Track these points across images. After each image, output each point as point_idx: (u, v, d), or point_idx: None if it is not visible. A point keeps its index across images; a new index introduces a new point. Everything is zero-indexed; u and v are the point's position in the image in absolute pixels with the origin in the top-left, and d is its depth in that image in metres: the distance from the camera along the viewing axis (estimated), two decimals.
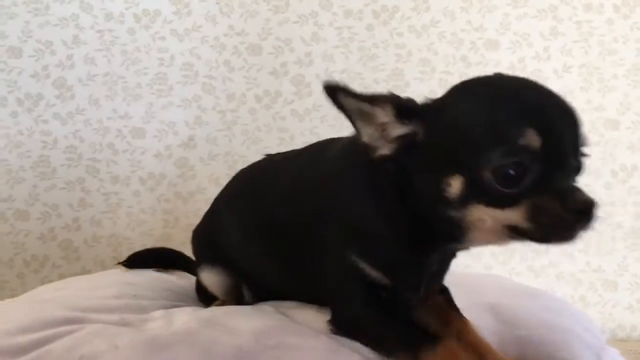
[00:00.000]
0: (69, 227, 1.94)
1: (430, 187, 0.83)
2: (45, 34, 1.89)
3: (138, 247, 1.77)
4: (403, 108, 0.84)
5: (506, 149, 0.75)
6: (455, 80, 1.79)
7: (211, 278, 1.29)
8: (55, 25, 1.90)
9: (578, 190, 0.76)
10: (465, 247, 0.92)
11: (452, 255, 1.02)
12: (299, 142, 1.95)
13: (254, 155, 1.46)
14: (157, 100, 1.95)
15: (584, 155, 0.81)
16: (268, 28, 1.95)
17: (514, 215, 0.78)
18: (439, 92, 1.94)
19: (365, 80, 1.95)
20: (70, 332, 0.95)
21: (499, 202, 0.78)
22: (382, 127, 0.84)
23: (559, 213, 0.75)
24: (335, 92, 0.82)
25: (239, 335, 0.92)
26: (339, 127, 1.96)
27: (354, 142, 0.92)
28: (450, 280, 1.06)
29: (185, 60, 1.94)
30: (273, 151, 1.27)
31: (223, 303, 1.28)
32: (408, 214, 0.88)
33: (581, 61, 1.97)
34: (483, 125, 0.78)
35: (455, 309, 1.02)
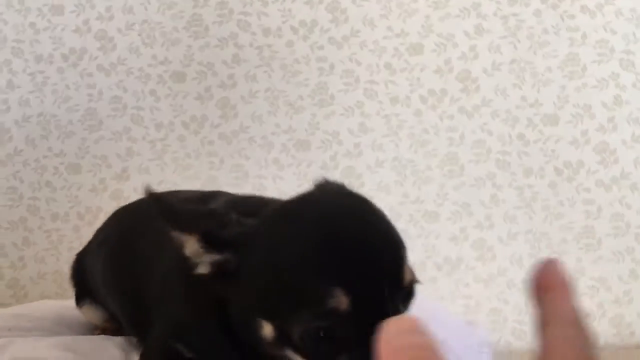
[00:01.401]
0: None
1: (245, 322, 0.75)
2: None
3: None
4: (211, 239, 0.74)
5: (311, 310, 0.66)
6: (381, 89, 1.77)
7: (91, 313, 1.29)
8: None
9: None
10: None
11: None
12: (228, 165, 1.95)
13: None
14: (89, 135, 1.98)
15: (407, 288, 0.70)
16: (190, 54, 1.96)
17: None
18: (365, 102, 1.92)
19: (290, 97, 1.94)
20: None
21: (309, 356, 0.69)
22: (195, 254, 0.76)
23: None
24: (155, 205, 0.77)
25: None
26: (268, 148, 1.95)
27: None
28: None
29: (114, 94, 1.98)
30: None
31: (103, 331, 1.28)
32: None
33: (511, 57, 1.90)
34: (289, 280, 0.69)
35: None
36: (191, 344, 0.88)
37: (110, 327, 1.27)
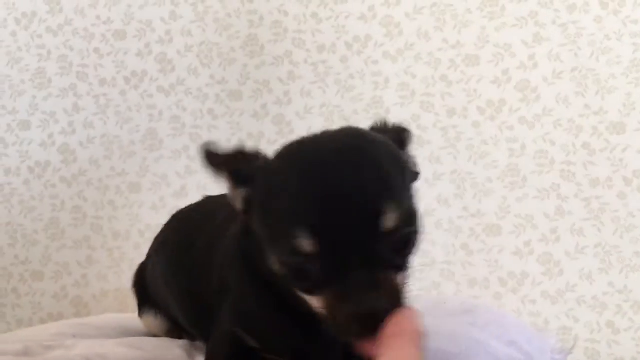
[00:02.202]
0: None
1: (264, 259, 0.76)
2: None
3: None
4: (236, 175, 0.79)
5: (286, 248, 0.68)
6: (437, 101, 1.75)
7: (151, 321, 1.30)
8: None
9: (361, 298, 0.65)
10: None
11: None
12: None
13: None
14: (149, 154, 2.03)
15: (389, 233, 0.68)
16: (246, 73, 2.00)
17: (315, 303, 0.70)
18: (421, 115, 1.90)
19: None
20: None
21: (302, 289, 0.72)
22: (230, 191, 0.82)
23: (340, 319, 0.67)
24: (206, 156, 0.82)
25: None
26: None
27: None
28: None
29: (173, 114, 2.03)
30: None
31: None
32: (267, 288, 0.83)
33: (572, 65, 1.84)
34: (271, 215, 0.72)
35: None
36: (254, 330, 0.87)
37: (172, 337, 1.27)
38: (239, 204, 0.80)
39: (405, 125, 0.87)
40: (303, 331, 0.83)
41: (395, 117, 1.91)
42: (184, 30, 2.02)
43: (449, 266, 1.88)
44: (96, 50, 2.05)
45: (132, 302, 2.01)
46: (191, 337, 1.20)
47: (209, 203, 1.24)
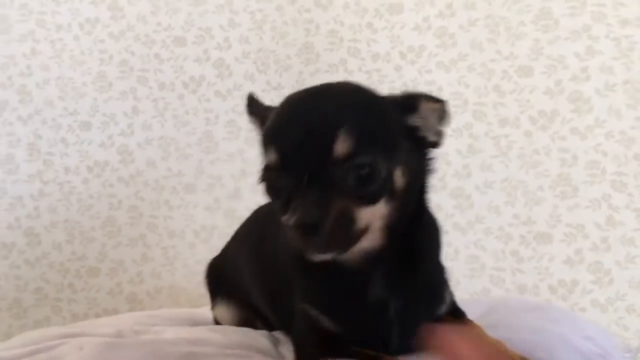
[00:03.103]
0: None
1: None
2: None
3: None
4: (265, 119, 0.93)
5: (264, 163, 0.84)
6: (490, 110, 1.77)
7: (223, 311, 1.35)
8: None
9: (300, 208, 0.76)
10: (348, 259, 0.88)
11: (424, 300, 0.96)
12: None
13: None
14: (205, 156, 2.09)
15: (344, 160, 0.79)
16: (301, 80, 2.06)
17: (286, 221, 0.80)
18: (474, 124, 1.92)
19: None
20: (61, 344, 1.03)
21: (280, 209, 0.83)
22: None
23: (286, 227, 0.78)
24: (249, 102, 0.98)
25: (201, 345, 0.96)
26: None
27: None
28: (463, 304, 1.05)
29: (229, 118, 2.09)
30: None
31: None
32: None
33: (625, 77, 1.88)
34: (260, 141, 0.89)
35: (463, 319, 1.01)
36: (322, 304, 0.94)
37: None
38: None
39: (421, 93, 0.94)
40: (355, 303, 0.90)
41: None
42: (242, 37, 2.09)
43: (499, 272, 1.91)
44: (156, 55, 2.13)
45: (185, 299, 2.09)
46: (268, 327, 1.25)
47: None
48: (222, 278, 1.36)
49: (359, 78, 2.01)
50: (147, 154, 2.12)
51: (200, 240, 2.08)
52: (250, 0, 2.07)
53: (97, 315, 2.12)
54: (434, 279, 0.99)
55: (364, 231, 0.81)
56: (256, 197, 2.04)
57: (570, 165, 1.88)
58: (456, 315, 1.02)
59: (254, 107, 0.98)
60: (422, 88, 1.98)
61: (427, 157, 0.93)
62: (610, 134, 1.87)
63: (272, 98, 2.03)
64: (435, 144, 0.92)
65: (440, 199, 1.93)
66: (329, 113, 0.82)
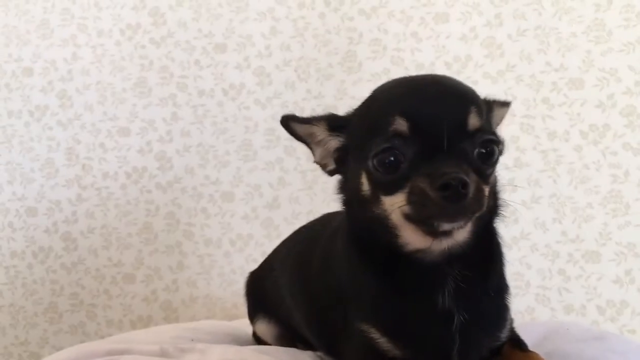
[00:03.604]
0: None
1: (355, 190, 0.88)
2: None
3: None
4: (332, 122, 0.93)
5: (381, 137, 0.81)
6: (538, 123, 1.74)
7: (264, 328, 1.32)
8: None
9: (447, 170, 0.76)
10: (431, 261, 0.87)
11: (490, 305, 0.94)
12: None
13: None
14: (243, 165, 2.07)
15: (473, 135, 0.81)
16: (343, 89, 2.02)
17: (400, 200, 0.80)
18: (520, 136, 1.87)
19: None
20: None
21: (389, 188, 0.82)
22: (325, 144, 0.94)
23: (426, 192, 0.76)
24: (288, 122, 0.94)
25: None
26: None
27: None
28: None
29: (268, 126, 2.06)
30: None
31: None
32: (376, 251, 0.91)
33: None
34: (367, 121, 0.86)
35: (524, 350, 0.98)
36: (384, 323, 0.91)
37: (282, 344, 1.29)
38: (330, 167, 0.95)
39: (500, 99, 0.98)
40: (421, 313, 0.88)
41: None
42: (283, 45, 2.06)
43: (544, 291, 1.85)
44: (196, 62, 2.11)
45: (220, 308, 2.06)
46: (307, 346, 1.22)
47: (327, 218, 1.27)
48: (262, 293, 1.33)
49: None
50: (185, 161, 2.11)
51: (236, 249, 2.06)
52: (292, 8, 2.04)
53: (132, 322, 2.11)
54: (499, 296, 0.96)
55: (486, 202, 0.82)
56: (294, 206, 2.02)
57: (622, 182, 1.81)
58: (517, 345, 0.97)
59: (306, 119, 0.96)
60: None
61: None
62: None
63: (313, 107, 2.03)
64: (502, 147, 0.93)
65: None
66: (462, 90, 0.86)
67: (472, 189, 0.76)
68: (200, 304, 2.08)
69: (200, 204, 2.10)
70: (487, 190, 0.82)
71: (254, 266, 2.03)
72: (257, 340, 1.36)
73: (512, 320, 0.99)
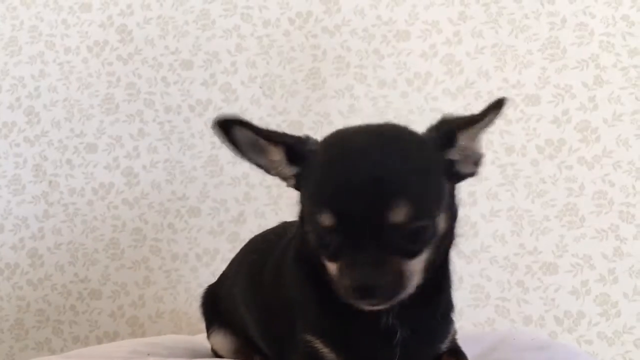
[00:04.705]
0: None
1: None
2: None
3: None
4: (292, 151, 0.91)
5: (314, 221, 0.84)
6: (496, 138, 1.73)
7: (219, 340, 1.34)
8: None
9: (360, 270, 0.80)
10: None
11: (435, 322, 0.97)
12: None
13: None
14: (210, 180, 2.09)
15: (397, 226, 0.80)
16: (308, 105, 2.05)
17: (334, 270, 0.84)
18: None
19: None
20: None
21: (327, 256, 0.85)
22: (277, 166, 0.92)
23: (341, 282, 0.82)
24: (231, 124, 0.90)
25: None
26: None
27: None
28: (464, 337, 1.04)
29: None
30: None
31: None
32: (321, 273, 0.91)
33: (633, 108, 1.86)
34: (309, 194, 0.88)
35: None
36: (328, 334, 0.94)
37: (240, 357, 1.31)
38: (290, 183, 0.93)
39: (455, 124, 0.91)
40: (364, 330, 0.91)
41: None
42: (249, 61, 2.09)
43: (504, 302, 1.88)
44: (163, 78, 2.14)
45: (187, 323, 2.07)
46: (264, 357, 1.23)
47: (282, 227, 1.29)
48: (218, 306, 1.35)
49: (365, 104, 2.02)
50: (152, 177, 2.12)
51: (202, 264, 2.07)
52: (257, 26, 2.08)
53: (98, 338, 2.10)
54: (444, 314, 0.98)
55: (411, 281, 0.83)
56: (260, 221, 2.04)
57: (577, 195, 1.86)
58: (455, 355, 1.00)
59: (269, 133, 0.93)
60: (428, 115, 1.97)
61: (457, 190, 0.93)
62: (618, 164, 1.85)
63: (279, 123, 2.06)
64: (472, 174, 0.92)
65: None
66: (386, 177, 0.81)
67: (387, 279, 0.79)
68: (167, 319, 2.08)
69: (167, 219, 2.11)
70: (417, 266, 0.84)
71: None
72: (215, 354, 1.37)
73: (455, 332, 1.02)
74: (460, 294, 1.88)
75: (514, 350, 1.12)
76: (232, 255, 2.02)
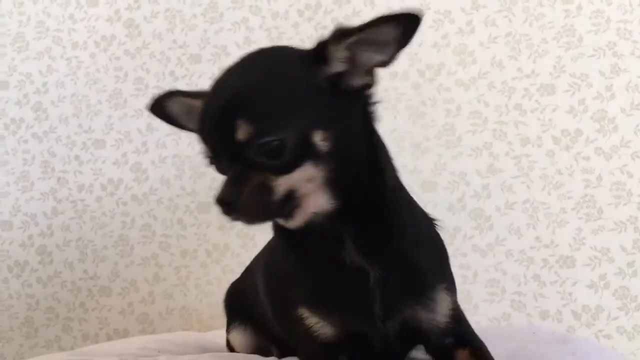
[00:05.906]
0: None
1: None
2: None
3: None
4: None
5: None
6: (510, 130, 1.70)
7: (239, 338, 1.32)
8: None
9: (224, 185, 0.84)
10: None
11: (406, 267, 0.95)
12: None
13: None
14: (219, 175, 2.06)
15: (248, 143, 0.83)
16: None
17: None
18: (493, 143, 1.87)
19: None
20: None
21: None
22: None
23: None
24: (164, 100, 1.02)
25: None
26: None
27: None
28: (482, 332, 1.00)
29: None
30: None
31: None
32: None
33: None
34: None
35: None
36: (310, 295, 0.97)
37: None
38: None
39: (329, 37, 0.89)
40: (336, 275, 0.93)
41: (467, 145, 1.91)
42: None
43: (520, 297, 1.84)
44: (171, 73, 2.11)
45: (197, 320, 2.05)
46: (282, 354, 1.21)
47: None
48: (240, 303, 1.34)
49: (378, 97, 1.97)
50: (161, 172, 2.10)
51: (212, 260, 2.05)
52: (266, 18, 2.05)
53: (108, 335, 2.09)
54: (413, 254, 0.95)
55: (290, 197, 0.84)
56: None
57: (595, 187, 1.82)
58: (471, 346, 0.96)
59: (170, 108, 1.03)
60: (440, 106, 1.94)
61: (366, 103, 0.92)
62: (636, 154, 1.81)
63: None
64: (367, 86, 0.90)
65: (459, 220, 1.88)
66: (229, 100, 0.86)
67: (244, 198, 0.82)
68: (176, 316, 2.06)
69: (176, 215, 2.08)
70: (297, 182, 0.84)
71: (230, 277, 2.02)
72: (231, 350, 1.35)
73: (454, 308, 0.97)
74: (475, 289, 1.85)
75: (538, 343, 1.08)
76: (242, 251, 2.02)
